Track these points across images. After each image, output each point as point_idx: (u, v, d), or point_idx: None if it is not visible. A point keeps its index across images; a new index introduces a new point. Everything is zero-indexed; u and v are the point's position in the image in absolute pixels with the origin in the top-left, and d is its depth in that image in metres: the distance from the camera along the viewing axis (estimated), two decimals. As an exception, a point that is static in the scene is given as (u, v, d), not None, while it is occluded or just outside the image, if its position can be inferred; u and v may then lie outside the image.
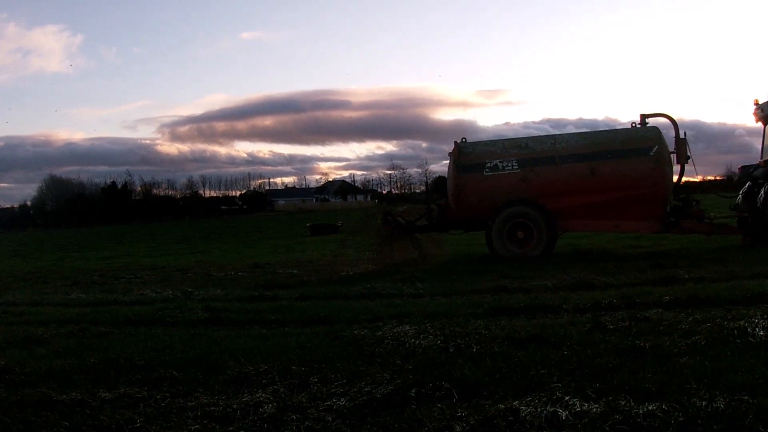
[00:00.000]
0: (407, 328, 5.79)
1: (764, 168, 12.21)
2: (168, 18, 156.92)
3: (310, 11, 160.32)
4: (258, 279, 11.13)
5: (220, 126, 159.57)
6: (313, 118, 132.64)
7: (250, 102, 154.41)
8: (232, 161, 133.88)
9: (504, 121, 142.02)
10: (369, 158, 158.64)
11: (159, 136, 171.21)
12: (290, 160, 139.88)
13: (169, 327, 6.95)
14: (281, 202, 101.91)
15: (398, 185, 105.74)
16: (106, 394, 4.34)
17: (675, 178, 12.22)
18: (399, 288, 8.80)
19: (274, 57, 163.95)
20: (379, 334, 5.65)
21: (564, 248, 12.65)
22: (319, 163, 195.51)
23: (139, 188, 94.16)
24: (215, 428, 3.71)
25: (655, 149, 11.71)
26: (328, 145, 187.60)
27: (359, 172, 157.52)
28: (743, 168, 12.99)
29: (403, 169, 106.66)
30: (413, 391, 4.02)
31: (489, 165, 12.19)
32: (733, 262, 9.34)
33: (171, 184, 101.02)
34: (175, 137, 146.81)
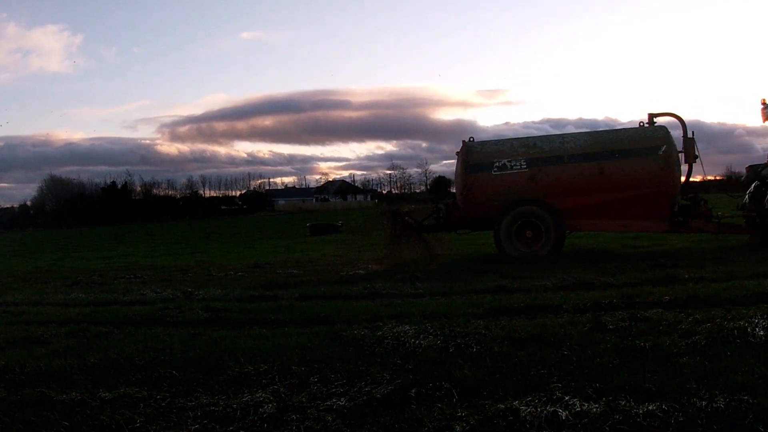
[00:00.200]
0: (407, 328, 5.78)
1: None
2: (168, 18, 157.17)
3: (310, 11, 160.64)
4: (258, 279, 11.13)
5: (220, 126, 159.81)
6: (312, 118, 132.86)
7: (250, 102, 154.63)
8: (232, 161, 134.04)
9: (504, 121, 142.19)
10: (369, 158, 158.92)
11: (159, 136, 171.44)
12: (290, 160, 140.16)
13: (169, 327, 6.94)
14: (281, 202, 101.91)
15: (398, 185, 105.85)
16: (106, 394, 4.34)
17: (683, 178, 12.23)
18: (399, 288, 8.80)
19: (274, 57, 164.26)
20: (379, 334, 5.65)
21: (564, 248, 12.62)
22: (319, 163, 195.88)
23: (139, 188, 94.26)
24: (215, 428, 3.71)
25: (663, 149, 11.71)
26: (327, 145, 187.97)
27: (359, 172, 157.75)
28: (751, 168, 12.97)
29: (403, 169, 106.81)
30: (413, 391, 4.02)
31: (497, 164, 12.19)
32: (733, 262, 9.34)
33: (171, 184, 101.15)
34: (175, 137, 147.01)
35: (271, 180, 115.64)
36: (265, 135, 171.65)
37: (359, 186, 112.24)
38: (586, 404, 3.58)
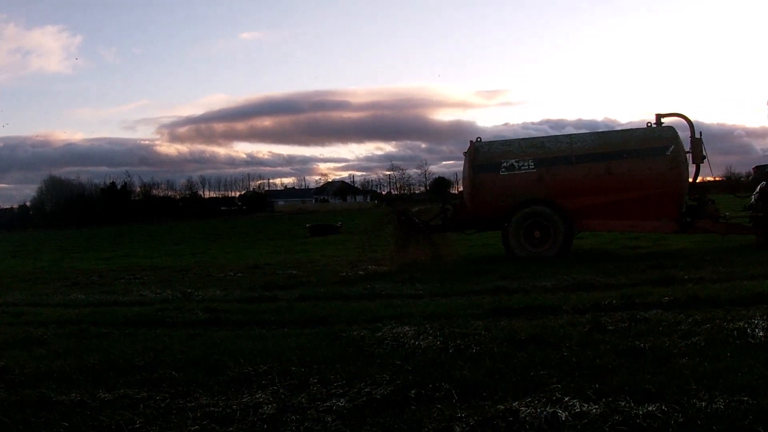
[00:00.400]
0: (407, 328, 5.79)
1: None
2: (167, 18, 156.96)
3: (309, 12, 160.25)
4: (257, 280, 11.14)
5: (220, 127, 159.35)
6: (312, 118, 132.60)
7: (250, 102, 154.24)
8: (232, 162, 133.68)
9: (503, 122, 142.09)
10: (368, 159, 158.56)
11: (158, 136, 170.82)
12: (289, 160, 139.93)
13: (168, 328, 6.95)
14: (281, 202, 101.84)
15: (398, 186, 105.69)
16: (106, 395, 4.35)
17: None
18: (399, 289, 8.80)
19: (274, 57, 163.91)
20: (378, 334, 5.65)
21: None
22: (319, 163, 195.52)
23: (138, 189, 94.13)
24: (215, 429, 3.71)
25: (671, 149, 11.72)
26: (327, 145, 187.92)
27: (358, 173, 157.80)
28: (758, 168, 12.97)
29: (403, 170, 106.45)
30: (413, 391, 4.03)
31: (505, 164, 12.21)
32: (732, 262, 9.34)
33: (170, 185, 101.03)
34: (175, 138, 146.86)
35: (271, 181, 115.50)
36: (264, 136, 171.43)
37: (359, 187, 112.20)
38: (585, 405, 3.59)
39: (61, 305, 9.22)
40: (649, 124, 12.31)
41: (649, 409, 3.45)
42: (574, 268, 9.67)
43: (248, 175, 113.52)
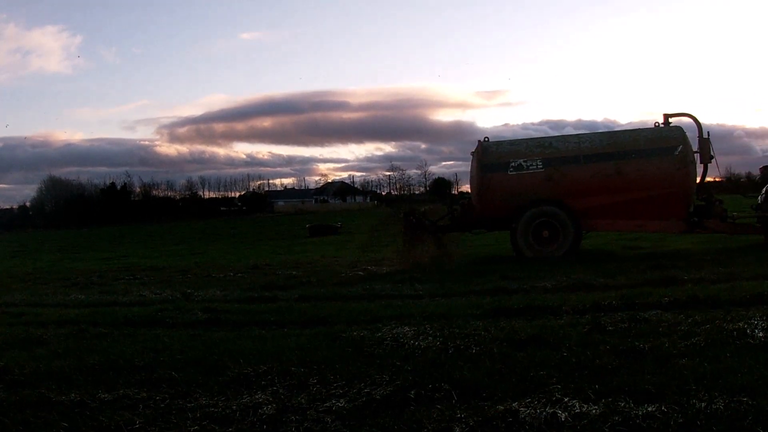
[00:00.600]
0: (407, 329, 5.79)
1: None
2: (167, 18, 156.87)
3: (309, 12, 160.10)
4: (257, 280, 11.14)
5: (219, 127, 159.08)
6: (311, 119, 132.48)
7: (249, 103, 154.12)
8: (231, 162, 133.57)
9: (503, 123, 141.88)
10: (368, 159, 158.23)
11: (158, 137, 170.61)
12: (289, 161, 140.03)
13: (168, 328, 6.95)
14: (280, 203, 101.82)
15: (397, 186, 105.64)
16: (106, 395, 4.35)
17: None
18: (398, 289, 8.80)
19: (274, 58, 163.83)
20: (378, 335, 5.66)
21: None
22: (318, 164, 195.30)
23: (138, 189, 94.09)
24: (215, 429, 3.71)
25: (679, 149, 11.73)
26: (327, 146, 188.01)
27: (358, 174, 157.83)
28: (765, 168, 12.99)
29: (402, 170, 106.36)
30: (412, 392, 4.03)
31: (513, 164, 12.22)
32: (732, 263, 9.34)
33: (170, 185, 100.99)
34: (174, 138, 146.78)
35: (271, 181, 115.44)
36: (264, 136, 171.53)
37: (358, 187, 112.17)
38: (585, 405, 3.59)
39: (60, 305, 9.21)
40: (657, 124, 12.31)
41: (649, 409, 3.45)
42: (574, 268, 9.67)
43: (248, 175, 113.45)
